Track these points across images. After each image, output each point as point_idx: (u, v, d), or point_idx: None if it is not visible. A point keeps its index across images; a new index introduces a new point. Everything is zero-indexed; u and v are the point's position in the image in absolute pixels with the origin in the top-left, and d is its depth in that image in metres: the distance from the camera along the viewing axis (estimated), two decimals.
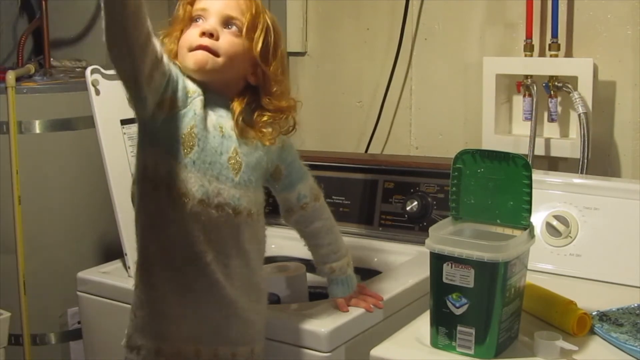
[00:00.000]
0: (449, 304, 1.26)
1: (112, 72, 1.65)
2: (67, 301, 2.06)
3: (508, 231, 1.31)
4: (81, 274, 1.80)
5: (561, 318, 1.33)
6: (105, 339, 1.78)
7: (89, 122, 1.84)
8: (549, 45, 1.93)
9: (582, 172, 1.84)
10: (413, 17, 2.17)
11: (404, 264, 1.77)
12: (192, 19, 1.35)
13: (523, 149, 1.92)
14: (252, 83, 1.39)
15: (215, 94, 1.35)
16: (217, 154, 1.32)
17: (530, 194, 1.28)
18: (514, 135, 2.02)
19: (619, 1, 1.87)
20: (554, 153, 1.95)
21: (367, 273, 1.78)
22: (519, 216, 1.29)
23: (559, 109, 1.95)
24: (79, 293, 1.80)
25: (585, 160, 1.84)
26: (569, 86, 1.88)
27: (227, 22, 1.34)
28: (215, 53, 1.32)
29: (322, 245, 1.52)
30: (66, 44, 2.41)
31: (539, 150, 1.94)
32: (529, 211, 1.29)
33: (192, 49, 1.32)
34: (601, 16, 1.90)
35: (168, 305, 1.33)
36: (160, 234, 1.32)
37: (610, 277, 1.57)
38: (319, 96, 2.36)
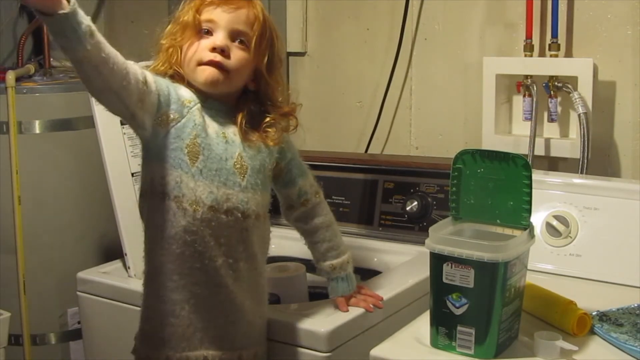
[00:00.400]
0: (449, 304, 1.26)
1: None
2: (67, 301, 2.06)
3: (508, 231, 1.31)
4: (81, 274, 1.80)
5: (561, 318, 1.33)
6: (105, 339, 1.78)
7: (89, 122, 1.84)
8: (549, 45, 1.93)
9: (582, 172, 1.84)
10: (413, 17, 2.17)
11: (404, 264, 1.76)
12: (200, 30, 1.35)
13: (523, 149, 1.92)
14: (251, 89, 1.41)
15: (215, 101, 1.37)
16: (223, 161, 1.34)
17: (530, 194, 1.28)
18: (514, 135, 2.02)
19: (619, 1, 1.87)
20: (554, 153, 1.95)
21: (367, 273, 1.78)
22: (519, 216, 1.29)
23: (559, 109, 1.95)
24: (79, 293, 1.79)
25: (585, 160, 1.84)
26: (569, 86, 1.88)
27: (235, 35, 1.35)
28: (225, 69, 1.33)
29: (322, 242, 1.53)
30: None
31: (539, 150, 1.94)
32: (529, 211, 1.29)
33: (202, 63, 1.33)
34: (601, 16, 1.90)
35: (177, 315, 1.34)
36: (171, 244, 1.33)
37: (610, 277, 1.57)
38: (319, 96, 2.35)
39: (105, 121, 1.77)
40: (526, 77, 1.95)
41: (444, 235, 1.29)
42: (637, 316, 1.38)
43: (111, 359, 1.77)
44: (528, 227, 1.29)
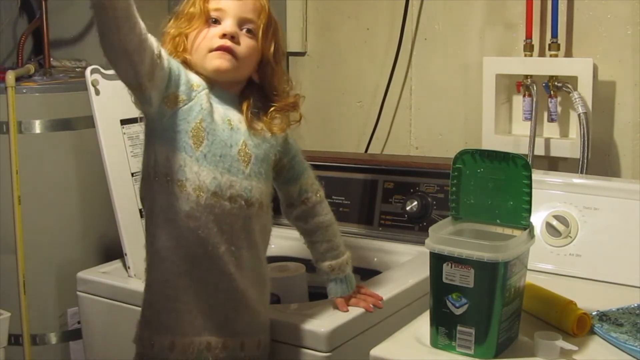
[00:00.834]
0: (449, 304, 1.26)
1: (111, 72, 1.66)
2: (67, 301, 2.06)
3: (508, 231, 1.31)
4: (81, 274, 1.80)
5: (561, 318, 1.33)
6: (105, 338, 1.78)
7: (89, 122, 1.84)
8: (549, 45, 1.93)
9: (582, 172, 1.84)
10: (413, 17, 2.17)
11: (404, 264, 1.77)
12: (208, 19, 1.36)
13: (523, 149, 1.92)
14: (255, 80, 1.43)
15: (221, 89, 1.38)
16: (227, 147, 1.34)
17: (530, 194, 1.28)
18: (514, 135, 2.02)
19: (619, 1, 1.87)
20: (554, 153, 1.95)
21: (367, 273, 1.78)
22: (519, 216, 1.29)
23: (559, 109, 1.95)
24: (79, 293, 1.79)
25: (585, 160, 1.84)
26: (569, 86, 1.88)
27: (243, 23, 1.37)
28: (235, 56, 1.34)
29: (322, 242, 1.53)
30: (66, 44, 2.40)
31: (539, 150, 1.94)
32: (529, 211, 1.29)
33: (212, 50, 1.34)
34: (601, 16, 1.90)
35: (180, 300, 1.35)
36: (173, 229, 1.33)
37: (610, 277, 1.57)
38: (319, 96, 2.36)
39: (105, 121, 1.78)
40: (526, 77, 1.95)
41: (444, 235, 1.29)
42: (637, 316, 1.38)
43: (111, 359, 1.77)
44: (528, 227, 1.29)
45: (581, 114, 1.84)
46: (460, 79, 2.13)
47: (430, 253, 1.27)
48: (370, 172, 2.01)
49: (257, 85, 1.43)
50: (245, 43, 1.36)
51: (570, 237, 1.63)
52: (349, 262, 1.55)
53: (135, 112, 1.43)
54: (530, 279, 1.37)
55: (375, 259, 1.86)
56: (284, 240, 1.78)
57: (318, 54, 2.36)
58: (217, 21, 1.36)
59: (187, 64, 1.36)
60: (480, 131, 2.03)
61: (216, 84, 1.37)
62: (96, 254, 2.09)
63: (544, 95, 1.94)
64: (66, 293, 2.00)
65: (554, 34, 1.92)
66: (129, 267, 1.75)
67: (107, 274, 1.80)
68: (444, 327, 1.27)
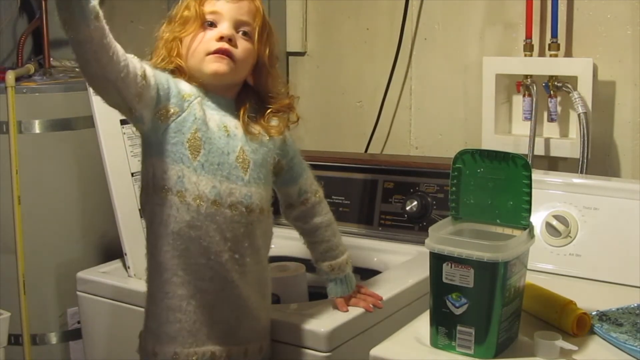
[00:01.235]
0: (449, 304, 1.26)
1: None
2: (67, 301, 2.06)
3: (508, 231, 1.31)
4: (81, 274, 1.80)
5: (561, 318, 1.33)
6: (105, 338, 1.78)
7: (89, 122, 1.84)
8: (549, 45, 1.93)
9: (582, 172, 1.84)
10: (413, 17, 2.17)
11: (404, 264, 1.77)
12: (203, 22, 1.35)
13: (523, 149, 1.92)
14: (250, 83, 1.42)
15: (216, 95, 1.37)
16: (225, 155, 1.34)
17: (530, 194, 1.28)
18: (514, 135, 2.02)
19: (619, 1, 1.87)
20: (554, 153, 1.95)
21: (367, 273, 1.78)
22: (519, 216, 1.29)
23: (559, 108, 1.95)
24: (78, 293, 1.80)
25: (585, 160, 1.84)
26: (569, 86, 1.88)
27: (239, 26, 1.36)
28: (233, 58, 1.34)
29: (321, 242, 1.53)
30: (66, 44, 2.36)
31: (539, 150, 1.94)
32: (529, 211, 1.29)
33: (209, 53, 1.33)
34: (601, 16, 1.90)
35: (183, 311, 1.34)
36: (176, 240, 1.32)
37: (610, 277, 1.57)
38: (319, 96, 2.36)
39: (105, 121, 1.78)
40: (526, 77, 1.95)
41: (444, 235, 1.29)
42: (637, 316, 1.38)
43: (111, 359, 1.77)
44: (528, 227, 1.29)
45: (581, 114, 1.84)
46: (460, 79, 2.13)
47: (430, 253, 1.27)
48: (370, 172, 2.01)
49: (252, 89, 1.42)
50: (242, 46, 1.35)
51: (570, 237, 1.63)
52: (348, 261, 1.54)
53: None
54: (530, 279, 1.37)
55: (375, 259, 1.86)
56: (284, 240, 1.77)
57: (318, 54, 2.36)
58: (212, 24, 1.35)
59: (180, 70, 1.35)
60: (480, 131, 2.03)
61: (211, 90, 1.36)
62: (96, 254, 2.09)
63: (543, 95, 1.94)
64: (66, 293, 2.00)
65: (554, 34, 1.92)
66: (128, 267, 1.75)
67: (107, 273, 1.80)
68: (444, 327, 1.27)
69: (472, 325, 1.24)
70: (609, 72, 1.90)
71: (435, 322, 1.28)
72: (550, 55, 1.92)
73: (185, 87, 1.33)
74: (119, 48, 1.20)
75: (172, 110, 1.30)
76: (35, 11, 2.38)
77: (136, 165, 1.81)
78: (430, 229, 1.29)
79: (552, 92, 1.93)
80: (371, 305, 1.52)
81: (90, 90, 1.75)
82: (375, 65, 2.25)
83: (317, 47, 2.36)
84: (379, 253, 1.87)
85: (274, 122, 1.42)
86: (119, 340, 1.72)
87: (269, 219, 1.42)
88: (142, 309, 1.41)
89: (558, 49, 1.92)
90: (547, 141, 1.96)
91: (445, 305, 1.26)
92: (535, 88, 1.93)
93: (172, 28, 1.37)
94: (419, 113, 2.22)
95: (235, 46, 1.34)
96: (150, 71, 1.27)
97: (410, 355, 1.28)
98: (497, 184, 1.30)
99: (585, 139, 1.84)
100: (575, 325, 1.32)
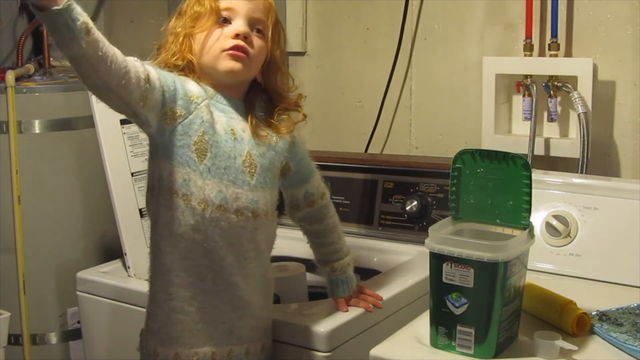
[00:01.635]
0: (449, 304, 1.26)
1: None
2: (67, 301, 2.06)
3: (508, 231, 1.31)
4: (81, 274, 1.80)
5: (561, 318, 1.33)
6: (105, 338, 1.78)
7: (89, 122, 1.84)
8: (549, 45, 1.92)
9: (581, 172, 1.84)
10: (413, 17, 2.17)
11: (404, 263, 1.76)
12: (218, 18, 1.34)
13: (523, 149, 1.92)
14: (259, 80, 1.41)
15: (224, 96, 1.36)
16: (231, 158, 1.32)
17: (530, 194, 1.28)
18: (514, 135, 2.02)
19: (619, 1, 1.87)
20: (554, 153, 1.95)
21: (367, 273, 1.78)
22: (519, 216, 1.29)
23: (559, 108, 1.95)
24: (78, 293, 1.79)
25: (585, 160, 1.84)
26: (569, 86, 1.88)
27: (253, 24, 1.35)
28: (249, 56, 1.33)
29: (325, 244, 1.52)
30: None
31: (539, 150, 1.94)
32: (529, 211, 1.29)
33: (225, 50, 1.32)
34: (601, 16, 1.90)
35: (185, 312, 1.34)
36: (179, 242, 1.32)
37: (610, 277, 1.57)
38: (319, 96, 2.35)
39: (105, 121, 1.77)
40: (526, 76, 1.95)
41: (444, 235, 1.29)
42: (637, 316, 1.38)
43: (111, 359, 1.77)
44: (528, 226, 1.29)
45: (581, 114, 1.84)
46: (460, 78, 2.12)
47: (430, 253, 1.27)
48: (370, 172, 2.01)
49: (260, 87, 1.41)
50: (257, 43, 1.34)
51: (570, 237, 1.63)
52: (350, 263, 1.54)
53: None
54: (530, 279, 1.37)
55: (375, 259, 1.86)
56: (284, 240, 1.77)
57: (318, 54, 2.36)
58: (227, 21, 1.34)
59: (190, 67, 1.34)
60: (480, 131, 2.03)
61: (220, 90, 1.35)
62: (96, 254, 2.09)
63: (543, 95, 1.94)
64: (66, 293, 2.00)
65: (554, 34, 1.92)
66: (128, 267, 1.75)
67: (107, 273, 1.80)
68: (444, 327, 1.27)
69: (472, 325, 1.24)
70: (609, 72, 1.90)
71: (435, 322, 1.28)
72: (550, 55, 1.92)
73: (193, 88, 1.32)
74: (118, 55, 1.18)
75: (178, 112, 1.29)
76: None
77: (136, 165, 1.81)
78: (430, 229, 1.29)
79: (552, 92, 1.92)
80: (371, 306, 1.52)
81: None
82: (375, 65, 2.25)
83: (317, 47, 2.36)
84: (379, 253, 1.87)
85: (284, 121, 1.41)
86: (119, 340, 1.72)
87: (273, 223, 1.41)
88: (142, 309, 1.41)
89: (558, 49, 1.92)
90: (547, 141, 1.96)
91: (445, 305, 1.26)
92: (535, 88, 1.93)
93: (183, 23, 1.35)
94: (419, 113, 2.22)
95: (251, 44, 1.33)
96: (154, 74, 1.26)
97: (410, 355, 1.28)
98: (497, 184, 1.30)
99: (585, 139, 1.84)
100: (575, 325, 1.32)
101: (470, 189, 1.33)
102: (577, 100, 1.85)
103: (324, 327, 1.43)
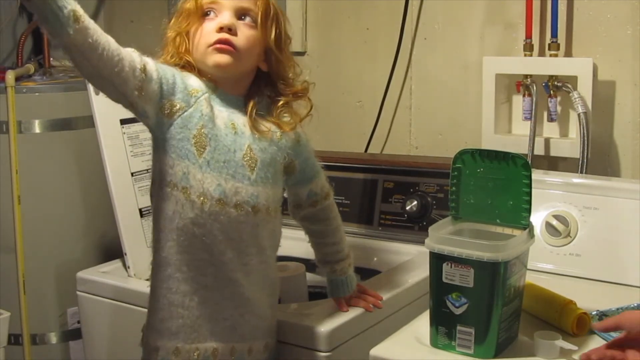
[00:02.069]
0: (449, 304, 1.26)
1: None
2: (67, 301, 2.06)
3: (508, 231, 1.31)
4: (81, 274, 1.80)
5: (561, 318, 1.33)
6: (105, 338, 1.78)
7: (89, 122, 1.84)
8: (549, 45, 1.92)
9: (581, 172, 1.84)
10: (413, 17, 2.17)
11: (404, 263, 1.76)
12: (203, 13, 1.34)
13: (523, 149, 1.92)
14: (263, 70, 1.39)
15: (225, 91, 1.35)
16: (231, 152, 1.32)
17: (529, 194, 1.28)
18: (514, 135, 2.02)
19: (619, 1, 1.87)
20: (554, 153, 1.95)
21: (367, 273, 1.78)
22: (519, 216, 1.29)
23: (559, 108, 1.94)
24: (78, 293, 1.79)
25: (585, 160, 1.84)
26: (569, 86, 1.88)
27: (240, 13, 1.34)
28: (235, 48, 1.31)
29: (326, 245, 1.52)
30: None
31: (539, 150, 1.94)
32: (529, 211, 1.29)
33: (210, 45, 1.31)
34: (601, 16, 1.90)
35: (186, 306, 1.34)
36: (179, 235, 1.32)
37: (610, 277, 1.57)
38: (319, 96, 2.34)
39: (105, 121, 1.78)
40: (526, 76, 1.95)
41: (444, 235, 1.29)
42: None
43: (111, 359, 1.77)
44: (528, 226, 1.29)
45: (581, 114, 1.84)
46: (460, 78, 2.12)
47: (430, 253, 1.27)
48: (370, 171, 2.01)
49: (265, 81, 1.40)
50: (244, 34, 1.33)
51: (570, 236, 1.63)
52: (351, 264, 1.54)
53: None
54: (530, 278, 1.37)
55: (375, 259, 1.86)
56: (284, 240, 1.76)
57: (318, 54, 2.36)
58: (214, 15, 1.33)
59: (190, 66, 1.34)
60: (480, 131, 2.03)
61: (220, 85, 1.34)
62: (96, 254, 2.09)
63: (543, 95, 1.94)
64: (66, 293, 2.00)
65: (554, 34, 1.92)
66: (128, 267, 1.75)
67: (107, 273, 1.80)
68: (444, 326, 1.27)
69: (472, 325, 1.25)
70: (609, 72, 1.90)
71: (435, 322, 1.28)
72: (550, 55, 1.92)
73: (194, 83, 1.32)
74: (111, 43, 1.19)
75: (178, 106, 1.29)
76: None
77: (136, 165, 1.81)
78: (430, 229, 1.29)
79: (552, 92, 1.92)
80: (371, 305, 1.52)
81: (90, 89, 1.75)
82: (375, 65, 2.25)
83: (317, 47, 2.36)
84: (379, 253, 1.87)
85: (286, 117, 1.40)
86: (119, 340, 1.72)
87: (276, 219, 1.40)
88: (142, 309, 1.41)
89: (558, 48, 1.92)
90: (547, 141, 1.96)
91: (445, 305, 1.26)
92: (535, 88, 1.93)
93: (178, 23, 1.35)
94: (419, 113, 2.22)
95: (235, 35, 1.31)
96: (152, 65, 1.26)
97: (410, 355, 1.28)
98: (497, 183, 1.30)
99: (585, 138, 1.84)
100: (575, 325, 1.32)
101: (470, 189, 1.33)
102: (577, 100, 1.85)
103: (324, 327, 1.43)
